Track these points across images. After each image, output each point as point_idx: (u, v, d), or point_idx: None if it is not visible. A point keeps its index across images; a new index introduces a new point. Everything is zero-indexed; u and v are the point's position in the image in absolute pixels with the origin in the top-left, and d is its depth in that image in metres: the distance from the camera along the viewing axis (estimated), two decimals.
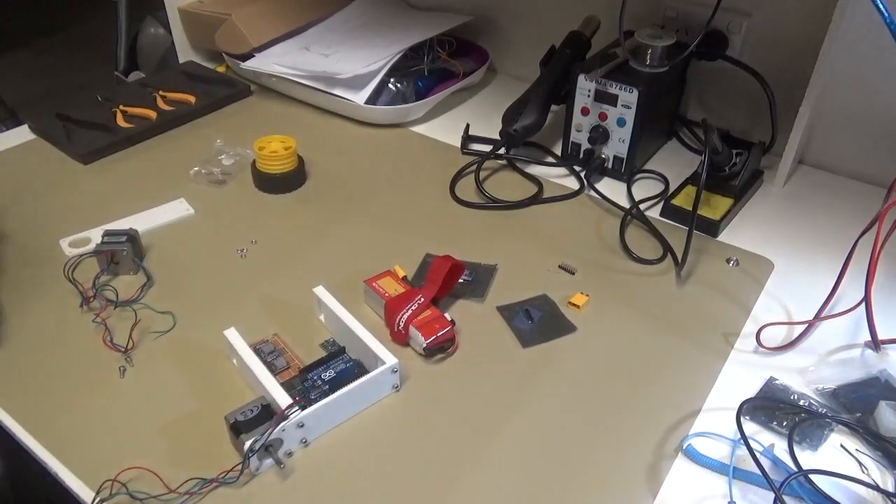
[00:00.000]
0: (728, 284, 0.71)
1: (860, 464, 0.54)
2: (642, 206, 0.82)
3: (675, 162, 0.91)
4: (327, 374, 0.60)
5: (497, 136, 0.90)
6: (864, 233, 0.61)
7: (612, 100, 0.82)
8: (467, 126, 0.97)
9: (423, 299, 0.64)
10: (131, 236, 0.71)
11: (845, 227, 0.79)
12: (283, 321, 0.67)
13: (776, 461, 0.53)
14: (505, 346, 0.64)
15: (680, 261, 0.72)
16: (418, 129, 0.99)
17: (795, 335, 0.65)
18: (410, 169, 0.89)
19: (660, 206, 0.82)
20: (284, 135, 0.86)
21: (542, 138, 0.93)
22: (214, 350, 0.63)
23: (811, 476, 0.51)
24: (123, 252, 0.70)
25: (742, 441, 0.52)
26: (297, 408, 0.53)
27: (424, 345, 0.61)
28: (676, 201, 0.81)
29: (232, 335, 0.60)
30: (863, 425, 0.56)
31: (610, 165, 0.87)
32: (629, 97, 0.80)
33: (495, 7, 1.08)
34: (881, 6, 0.57)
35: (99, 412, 0.58)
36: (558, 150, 0.92)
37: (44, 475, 0.53)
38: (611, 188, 0.85)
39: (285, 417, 0.52)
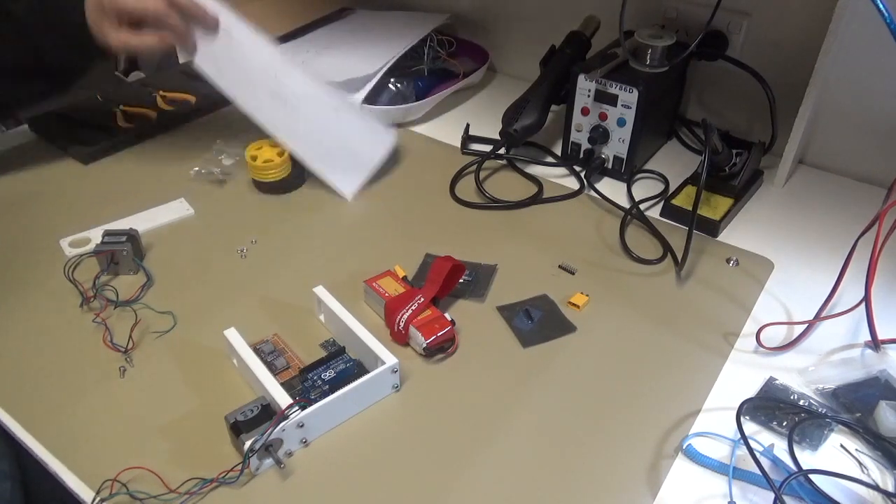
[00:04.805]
0: (728, 284, 0.71)
1: (860, 464, 0.54)
2: (642, 206, 0.82)
3: (675, 162, 0.91)
4: (327, 374, 0.60)
5: (497, 136, 0.90)
6: (864, 233, 0.61)
7: (612, 100, 0.82)
8: (467, 126, 0.97)
9: (423, 299, 0.64)
10: (131, 236, 0.71)
11: (845, 227, 0.79)
12: (283, 321, 0.67)
13: (776, 461, 0.53)
14: (505, 346, 0.64)
15: (680, 261, 0.72)
16: (418, 129, 0.99)
17: (795, 335, 0.65)
18: (410, 169, 0.89)
19: (660, 206, 0.82)
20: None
21: (542, 138, 0.93)
22: (214, 350, 0.63)
23: (811, 476, 0.50)
24: (123, 252, 0.70)
25: (742, 441, 0.52)
26: (297, 408, 0.53)
27: (424, 345, 0.61)
28: (676, 201, 0.81)
29: (232, 335, 0.60)
30: (863, 425, 0.56)
31: (610, 165, 0.87)
32: (629, 97, 0.80)
33: (495, 7, 1.08)
34: (881, 6, 0.57)
35: (99, 412, 0.58)
36: (558, 150, 0.92)
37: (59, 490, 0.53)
38: (611, 188, 0.85)
39: (285, 417, 0.52)
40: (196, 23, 0.73)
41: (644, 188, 0.86)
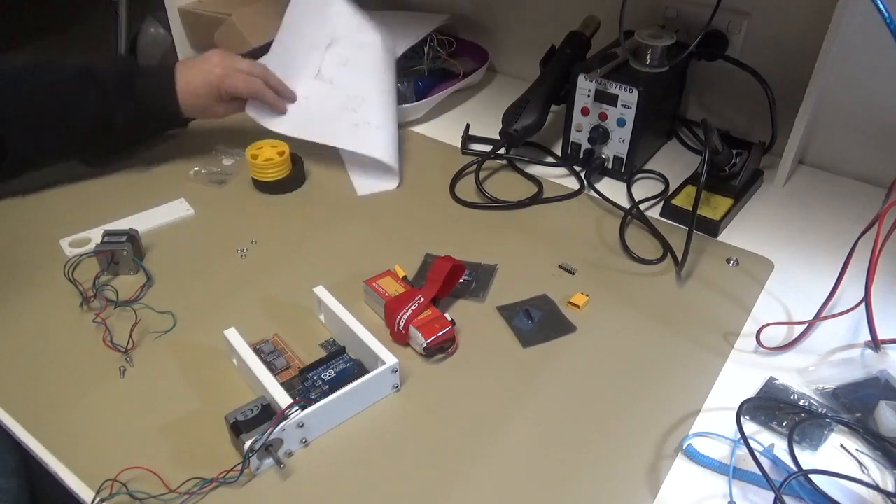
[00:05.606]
0: (728, 284, 0.71)
1: (860, 464, 0.54)
2: (642, 206, 0.82)
3: (675, 162, 0.91)
4: (327, 374, 0.60)
5: (497, 136, 0.90)
6: (864, 233, 0.61)
7: (612, 100, 0.82)
8: (467, 126, 0.97)
9: (423, 299, 0.64)
10: (131, 236, 0.71)
11: (845, 227, 0.79)
12: (283, 321, 0.67)
13: (776, 461, 0.53)
14: (505, 346, 0.64)
15: (680, 261, 0.72)
16: (418, 129, 0.99)
17: (795, 335, 0.65)
18: (410, 169, 0.89)
19: (660, 206, 0.82)
20: (278, 138, 0.85)
21: (542, 138, 0.93)
22: (214, 350, 0.63)
23: (811, 476, 0.50)
24: (123, 252, 0.70)
25: (742, 441, 0.52)
26: (297, 408, 0.53)
27: (424, 345, 0.61)
28: (676, 201, 0.81)
29: (232, 335, 0.60)
30: (863, 425, 0.56)
31: (610, 165, 0.87)
32: (629, 97, 0.80)
33: (495, 7, 1.08)
34: (881, 6, 0.57)
35: (99, 412, 0.58)
36: (558, 150, 0.92)
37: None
38: (611, 188, 0.85)
39: (285, 417, 0.52)
40: (282, 97, 0.88)
41: (644, 188, 0.86)
